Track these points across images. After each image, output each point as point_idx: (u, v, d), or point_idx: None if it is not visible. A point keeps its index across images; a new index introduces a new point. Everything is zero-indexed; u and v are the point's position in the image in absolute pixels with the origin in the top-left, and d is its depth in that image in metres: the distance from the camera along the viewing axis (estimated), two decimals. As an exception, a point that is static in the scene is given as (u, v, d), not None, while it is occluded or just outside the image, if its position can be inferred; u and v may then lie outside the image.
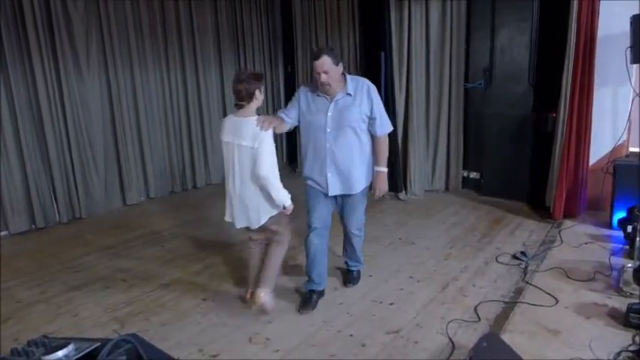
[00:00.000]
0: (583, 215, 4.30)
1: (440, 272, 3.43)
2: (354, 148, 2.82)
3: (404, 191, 5.24)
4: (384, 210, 4.86)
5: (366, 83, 2.82)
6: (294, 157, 6.67)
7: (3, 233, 4.44)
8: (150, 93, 5.42)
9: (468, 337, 2.57)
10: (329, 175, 2.83)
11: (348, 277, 3.29)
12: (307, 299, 2.98)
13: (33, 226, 4.61)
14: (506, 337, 2.43)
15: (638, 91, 4.05)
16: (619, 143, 4.25)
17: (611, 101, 4.30)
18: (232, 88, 2.65)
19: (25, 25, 4.30)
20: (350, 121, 2.76)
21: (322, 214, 2.94)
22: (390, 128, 2.92)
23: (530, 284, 3.13)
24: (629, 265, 3.12)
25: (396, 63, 5.05)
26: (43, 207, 4.64)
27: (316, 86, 2.77)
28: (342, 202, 3.00)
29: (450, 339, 2.58)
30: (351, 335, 2.68)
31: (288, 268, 3.50)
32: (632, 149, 4.30)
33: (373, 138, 2.89)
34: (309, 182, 2.94)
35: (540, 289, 3.04)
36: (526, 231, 4.14)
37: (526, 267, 3.40)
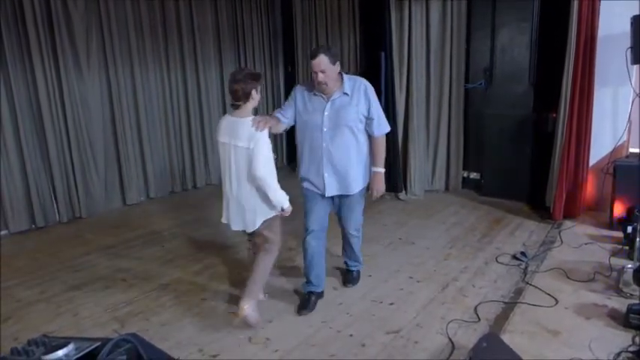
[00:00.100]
0: (583, 216, 4.30)
1: (440, 272, 3.42)
2: (350, 148, 2.80)
3: (404, 191, 5.24)
4: (384, 210, 4.86)
5: (363, 83, 2.81)
6: (293, 158, 6.66)
7: (3, 232, 4.45)
8: (150, 92, 5.42)
9: (468, 338, 2.57)
10: (325, 175, 2.81)
11: (348, 277, 3.29)
12: (306, 301, 2.98)
13: (33, 225, 4.61)
14: (506, 338, 2.43)
15: (638, 92, 4.05)
16: (619, 144, 4.25)
17: (611, 102, 4.30)
18: (228, 88, 2.60)
19: (25, 23, 4.30)
20: (347, 121, 2.74)
21: (319, 217, 2.92)
22: (388, 129, 2.91)
23: (530, 285, 3.13)
24: (629, 265, 3.13)
25: (397, 63, 5.05)
26: (43, 206, 4.64)
27: (313, 85, 2.76)
28: (339, 203, 2.98)
29: (450, 339, 2.58)
30: (351, 335, 2.68)
31: (286, 269, 3.50)
32: (632, 150, 4.30)
33: (370, 138, 2.87)
34: (305, 184, 2.92)
35: (540, 289, 3.05)
36: (526, 231, 4.14)
37: (526, 267, 3.40)
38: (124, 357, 1.09)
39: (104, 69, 4.97)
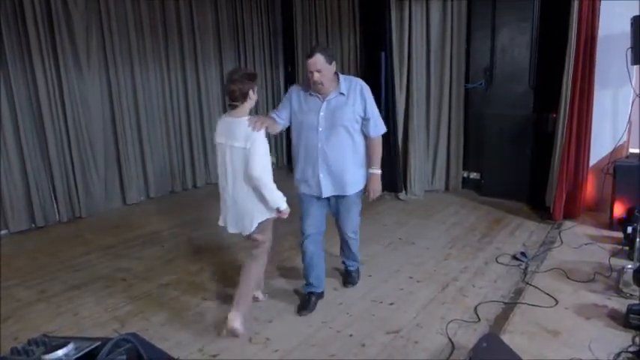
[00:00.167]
0: (583, 216, 4.30)
1: (440, 272, 3.42)
2: (346, 148, 2.77)
3: (404, 191, 5.24)
4: (383, 210, 4.86)
5: (359, 83, 2.78)
6: (293, 157, 6.66)
7: (3, 232, 4.45)
8: (150, 92, 5.42)
9: (468, 338, 2.57)
10: (321, 175, 2.78)
11: (348, 277, 3.29)
12: (306, 301, 2.97)
13: (33, 225, 4.61)
14: (506, 338, 2.43)
15: (638, 92, 4.05)
16: (619, 144, 4.25)
17: (611, 102, 4.31)
18: (225, 89, 2.55)
19: (25, 22, 4.30)
20: (343, 121, 2.71)
21: (315, 220, 2.90)
22: (384, 129, 2.88)
23: (530, 285, 3.13)
24: (629, 266, 3.13)
25: (397, 63, 5.05)
26: (43, 206, 4.64)
27: (309, 85, 2.74)
28: (336, 204, 2.95)
29: (450, 339, 2.58)
30: (351, 335, 2.68)
31: (286, 270, 3.50)
32: (632, 150, 4.30)
33: (367, 139, 2.85)
34: (301, 188, 2.89)
35: (540, 289, 3.05)
36: (526, 231, 4.14)
37: (526, 267, 3.40)
38: (124, 357, 1.09)
39: (104, 68, 4.97)
